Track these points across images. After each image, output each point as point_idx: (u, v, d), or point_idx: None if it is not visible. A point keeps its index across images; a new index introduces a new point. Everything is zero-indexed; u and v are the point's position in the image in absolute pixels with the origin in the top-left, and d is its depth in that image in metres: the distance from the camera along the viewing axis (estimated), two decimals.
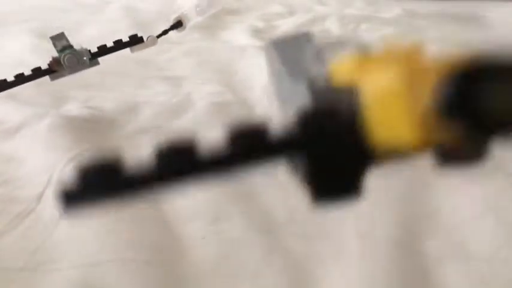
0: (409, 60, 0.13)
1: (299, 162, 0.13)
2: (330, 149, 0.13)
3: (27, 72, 0.43)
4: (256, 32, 0.64)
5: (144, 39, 0.44)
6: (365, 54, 0.14)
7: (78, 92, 0.50)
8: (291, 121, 0.13)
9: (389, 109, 0.12)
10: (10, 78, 0.43)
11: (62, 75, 0.43)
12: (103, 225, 0.29)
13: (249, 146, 0.13)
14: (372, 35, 0.61)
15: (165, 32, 0.46)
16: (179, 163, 0.13)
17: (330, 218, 0.29)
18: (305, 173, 0.13)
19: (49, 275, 0.27)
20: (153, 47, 0.45)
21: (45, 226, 0.30)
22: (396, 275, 0.25)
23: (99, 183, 0.14)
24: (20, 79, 0.43)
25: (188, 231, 0.29)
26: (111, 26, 0.70)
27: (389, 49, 0.14)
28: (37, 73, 0.43)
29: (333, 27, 0.64)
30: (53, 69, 0.42)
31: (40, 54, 0.56)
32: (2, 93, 0.49)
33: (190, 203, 0.31)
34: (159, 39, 0.45)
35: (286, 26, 0.65)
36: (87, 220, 0.30)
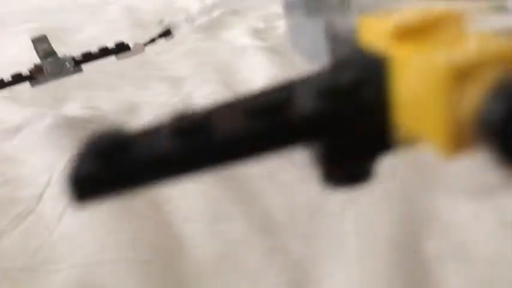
0: (457, 41, 0.11)
1: (315, 143, 0.12)
2: (348, 132, 0.12)
3: (7, 78, 0.41)
4: (257, 32, 0.64)
5: (131, 46, 0.42)
6: (402, 18, 0.12)
7: (78, 92, 0.50)
8: (308, 96, 0.12)
9: (422, 103, 0.10)
10: None
11: (44, 82, 0.41)
12: (103, 225, 0.29)
13: (268, 125, 0.11)
14: None
15: (152, 40, 0.45)
16: (196, 142, 0.11)
17: (330, 218, 0.29)
18: (319, 154, 0.12)
19: (49, 275, 0.27)
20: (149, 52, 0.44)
21: (45, 226, 0.30)
22: (396, 275, 0.25)
23: (111, 166, 0.11)
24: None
25: (188, 231, 0.29)
26: (111, 26, 0.70)
27: (430, 19, 0.11)
28: (18, 79, 0.41)
29: None
30: (34, 76, 0.41)
31: None
32: (2, 93, 0.49)
33: (190, 203, 0.31)
34: (146, 47, 0.44)
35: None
36: (87, 220, 0.30)
